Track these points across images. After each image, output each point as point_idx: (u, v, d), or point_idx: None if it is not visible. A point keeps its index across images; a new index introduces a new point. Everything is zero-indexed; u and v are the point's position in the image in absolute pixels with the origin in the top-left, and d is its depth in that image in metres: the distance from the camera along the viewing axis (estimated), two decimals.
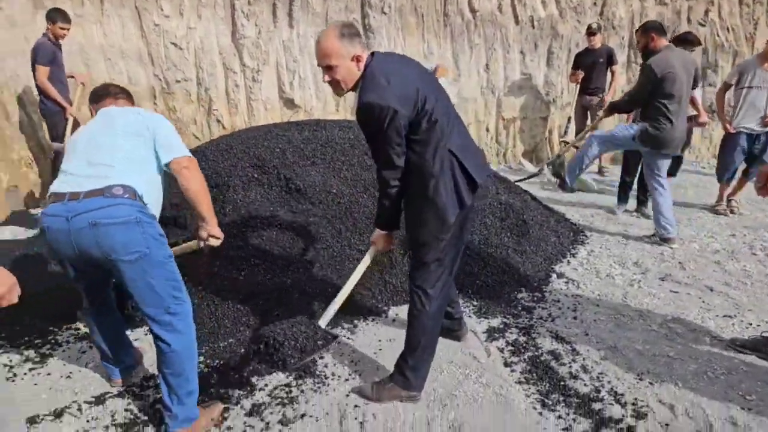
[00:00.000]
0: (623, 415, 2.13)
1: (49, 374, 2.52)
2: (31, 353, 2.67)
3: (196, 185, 2.03)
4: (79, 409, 2.25)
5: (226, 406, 2.26)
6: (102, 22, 5.71)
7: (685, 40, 4.83)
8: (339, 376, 2.45)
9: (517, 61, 7.66)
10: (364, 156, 3.87)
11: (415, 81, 1.97)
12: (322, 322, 2.59)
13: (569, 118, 6.99)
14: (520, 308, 3.05)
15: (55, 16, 4.72)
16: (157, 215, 2.10)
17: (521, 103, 7.77)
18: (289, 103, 6.59)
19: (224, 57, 6.29)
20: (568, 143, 6.18)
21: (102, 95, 2.37)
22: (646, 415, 2.13)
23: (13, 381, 2.46)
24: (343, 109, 6.77)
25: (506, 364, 2.46)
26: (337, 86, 2.03)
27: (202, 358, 2.58)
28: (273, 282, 3.15)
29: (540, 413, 2.14)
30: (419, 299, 2.14)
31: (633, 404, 2.21)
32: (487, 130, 7.75)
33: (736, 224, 4.85)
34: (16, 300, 1.39)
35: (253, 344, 2.65)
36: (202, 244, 2.21)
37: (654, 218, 4.23)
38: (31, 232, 4.36)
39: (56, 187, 1.96)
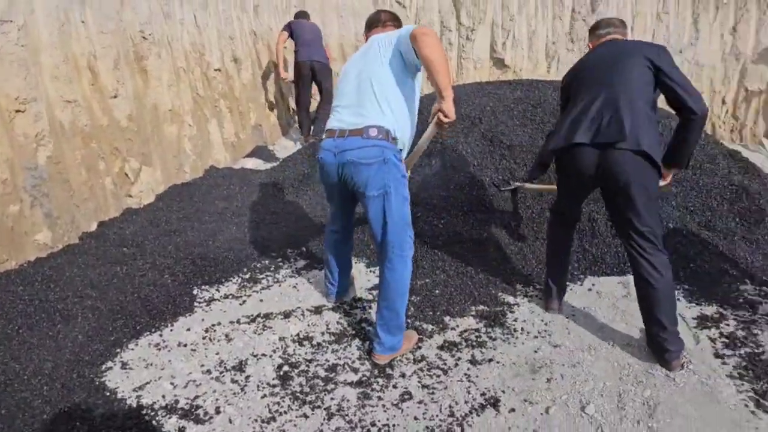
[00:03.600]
0: None
1: (279, 283, 3.04)
2: (266, 263, 3.24)
3: (434, 52, 1.99)
4: (302, 314, 2.70)
5: (420, 336, 2.49)
6: None
7: None
8: (528, 332, 2.50)
9: None
10: None
11: None
12: None
13: None
14: (741, 300, 2.69)
15: None
16: (408, 142, 2.29)
17: None
18: (499, 63, 6.52)
19: (442, 15, 6.45)
20: None
21: (371, 24, 2.48)
22: None
23: (257, 283, 3.03)
24: (555, 70, 6.45)
25: (717, 356, 2.23)
26: None
27: None
28: (469, 233, 3.29)
29: (752, 412, 1.92)
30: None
31: None
32: (723, 102, 6.68)
33: None
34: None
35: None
36: (436, 122, 2.15)
37: None
38: (268, 165, 5.13)
39: (330, 123, 2.30)
